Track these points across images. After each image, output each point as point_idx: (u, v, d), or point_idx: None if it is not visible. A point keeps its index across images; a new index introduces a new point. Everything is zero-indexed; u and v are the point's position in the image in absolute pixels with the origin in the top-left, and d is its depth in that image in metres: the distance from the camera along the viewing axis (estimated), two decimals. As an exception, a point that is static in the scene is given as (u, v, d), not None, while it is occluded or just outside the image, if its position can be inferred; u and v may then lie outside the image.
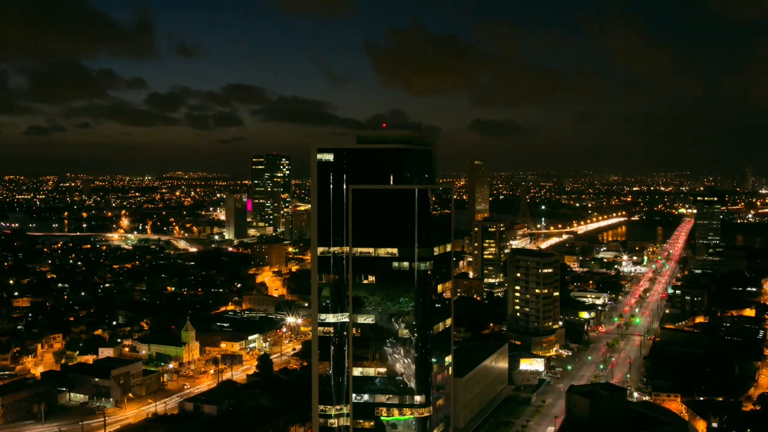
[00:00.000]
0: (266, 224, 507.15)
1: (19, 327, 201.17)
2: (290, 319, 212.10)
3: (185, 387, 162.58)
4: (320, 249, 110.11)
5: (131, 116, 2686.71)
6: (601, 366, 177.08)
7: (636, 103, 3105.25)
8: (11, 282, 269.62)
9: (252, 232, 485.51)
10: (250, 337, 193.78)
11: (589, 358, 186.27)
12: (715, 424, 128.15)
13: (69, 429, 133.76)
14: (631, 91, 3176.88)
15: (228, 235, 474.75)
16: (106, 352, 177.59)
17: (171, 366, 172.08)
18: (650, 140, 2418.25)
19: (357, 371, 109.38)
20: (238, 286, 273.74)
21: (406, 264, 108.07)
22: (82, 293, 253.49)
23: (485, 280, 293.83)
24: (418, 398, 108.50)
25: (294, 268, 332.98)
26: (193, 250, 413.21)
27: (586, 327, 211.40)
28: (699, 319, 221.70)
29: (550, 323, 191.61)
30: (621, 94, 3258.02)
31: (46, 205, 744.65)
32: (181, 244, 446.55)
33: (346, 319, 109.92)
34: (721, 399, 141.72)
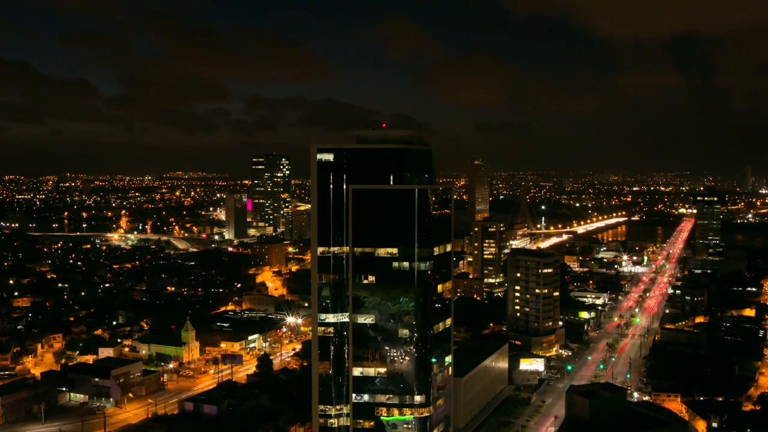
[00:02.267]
0: (266, 224, 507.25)
1: (19, 327, 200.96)
2: (290, 319, 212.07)
3: (185, 387, 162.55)
4: (320, 249, 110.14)
5: (179, 123, 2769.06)
6: (601, 366, 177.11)
7: (637, 105, 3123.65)
8: (11, 282, 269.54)
9: (252, 232, 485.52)
10: (250, 337, 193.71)
11: (589, 358, 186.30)
12: (715, 424, 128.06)
13: (69, 429, 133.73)
14: (633, 102, 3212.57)
15: (228, 235, 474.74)
16: (106, 352, 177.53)
17: (171, 366, 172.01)
18: (650, 140, 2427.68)
19: (357, 371, 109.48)
20: (238, 286, 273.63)
21: (406, 264, 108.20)
22: (82, 293, 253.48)
23: (485, 280, 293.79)
24: (418, 398, 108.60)
25: (294, 268, 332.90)
26: (193, 250, 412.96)
27: (586, 327, 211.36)
28: (699, 319, 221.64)
29: (550, 323, 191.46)
30: (623, 97, 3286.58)
31: (46, 205, 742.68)
32: (181, 244, 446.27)
33: (346, 319, 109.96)
34: (721, 399, 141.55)
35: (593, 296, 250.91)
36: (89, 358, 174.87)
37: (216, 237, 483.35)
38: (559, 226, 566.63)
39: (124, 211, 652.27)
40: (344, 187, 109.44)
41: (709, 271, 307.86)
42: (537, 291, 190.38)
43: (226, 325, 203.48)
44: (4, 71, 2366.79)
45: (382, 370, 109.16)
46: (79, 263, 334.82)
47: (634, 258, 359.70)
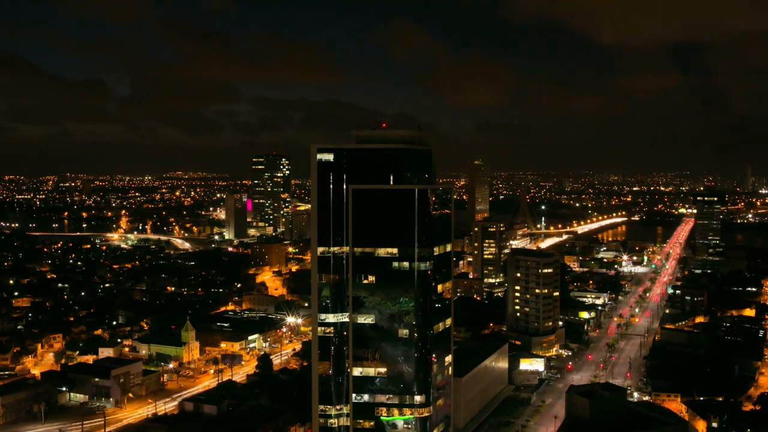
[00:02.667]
0: (266, 224, 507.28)
1: (19, 327, 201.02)
2: (290, 319, 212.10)
3: (185, 387, 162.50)
4: (320, 249, 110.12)
5: (182, 123, 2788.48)
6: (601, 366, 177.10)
7: (637, 106, 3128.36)
8: (11, 282, 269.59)
9: (252, 232, 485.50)
10: (250, 337, 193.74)
11: (589, 358, 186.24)
12: (715, 424, 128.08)
13: (69, 429, 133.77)
14: (633, 103, 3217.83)
15: (228, 235, 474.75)
16: (106, 352, 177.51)
17: (171, 366, 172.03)
18: (650, 140, 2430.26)
19: (357, 371, 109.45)
20: (238, 286, 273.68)
21: (406, 264, 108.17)
22: (82, 293, 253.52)
23: (485, 280, 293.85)
24: (418, 398, 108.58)
25: (294, 268, 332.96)
26: (193, 250, 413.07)
27: (586, 327, 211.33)
28: (699, 319, 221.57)
29: (550, 323, 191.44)
30: (623, 98, 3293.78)
31: (46, 205, 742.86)
32: (181, 244, 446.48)
33: (346, 319, 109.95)
34: (721, 399, 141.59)
35: (593, 296, 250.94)
36: (89, 358, 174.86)
37: (216, 237, 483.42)
38: (559, 226, 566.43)
39: (124, 211, 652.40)
40: (344, 187, 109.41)
41: (709, 271, 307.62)
42: (537, 291, 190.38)
43: (226, 325, 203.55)
44: (11, 72, 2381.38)
45: (382, 370, 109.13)
46: (79, 263, 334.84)
47: (634, 258, 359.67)
